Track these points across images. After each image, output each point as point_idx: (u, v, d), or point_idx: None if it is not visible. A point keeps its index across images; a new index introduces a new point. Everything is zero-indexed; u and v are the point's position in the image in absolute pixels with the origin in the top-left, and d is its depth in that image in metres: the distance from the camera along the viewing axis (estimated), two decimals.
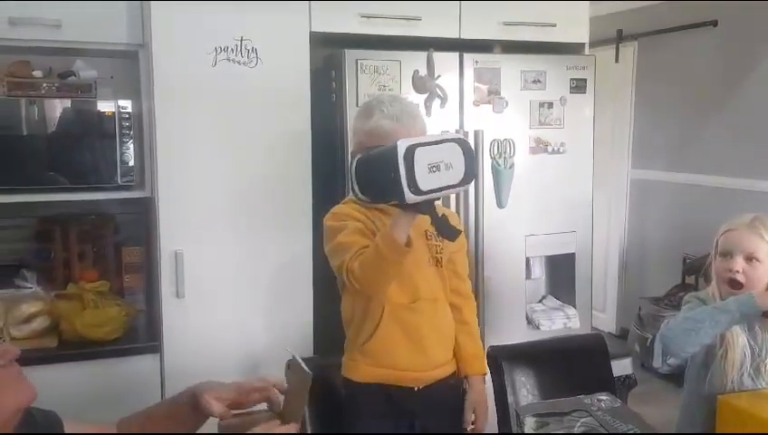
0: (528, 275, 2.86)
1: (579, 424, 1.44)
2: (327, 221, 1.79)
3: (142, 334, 2.44)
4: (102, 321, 2.26)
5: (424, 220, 1.70)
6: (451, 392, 1.89)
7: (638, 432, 1.40)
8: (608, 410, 1.49)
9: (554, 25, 2.76)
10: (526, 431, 1.42)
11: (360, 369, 1.81)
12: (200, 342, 2.36)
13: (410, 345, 1.78)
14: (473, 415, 1.89)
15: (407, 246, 1.57)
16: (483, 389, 1.92)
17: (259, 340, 2.43)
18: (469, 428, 1.88)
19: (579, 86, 2.76)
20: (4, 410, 1.06)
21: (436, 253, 1.80)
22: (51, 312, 2.25)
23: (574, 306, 2.89)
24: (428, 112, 2.54)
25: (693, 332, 1.73)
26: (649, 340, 4.22)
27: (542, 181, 2.74)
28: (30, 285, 2.28)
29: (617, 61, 4.69)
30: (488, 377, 2.56)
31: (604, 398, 1.56)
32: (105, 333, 2.27)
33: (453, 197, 2.61)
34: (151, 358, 2.34)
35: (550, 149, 2.74)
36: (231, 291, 2.41)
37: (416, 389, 1.80)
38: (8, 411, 1.07)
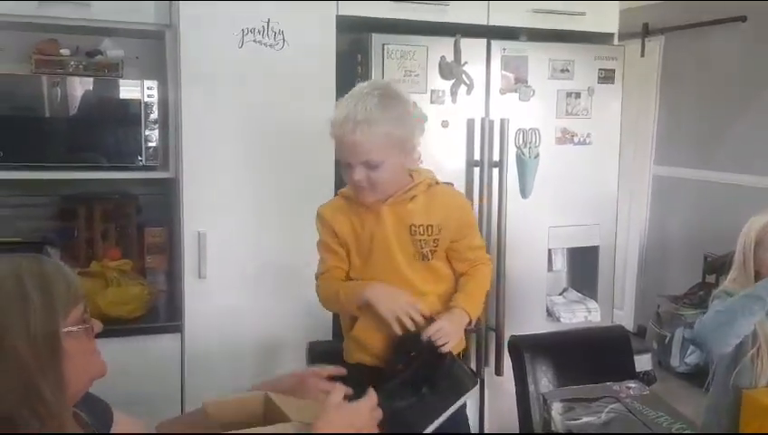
0: (549, 267, 2.84)
1: (607, 410, 1.43)
2: (317, 216, 1.79)
3: (163, 314, 2.46)
4: (125, 299, 2.27)
5: (409, 214, 1.69)
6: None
7: (668, 419, 1.39)
8: (636, 397, 1.48)
9: (584, 14, 2.72)
10: (553, 416, 1.40)
11: (350, 353, 1.82)
12: (220, 322, 2.37)
13: (385, 339, 1.74)
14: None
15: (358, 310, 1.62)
16: (456, 320, 1.69)
17: (278, 322, 2.43)
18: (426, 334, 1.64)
19: (607, 76, 2.73)
20: (81, 378, 1.10)
21: (422, 247, 1.72)
22: None
23: (595, 300, 2.87)
24: (454, 99, 2.53)
25: (727, 325, 1.70)
26: (668, 338, 4.19)
27: (566, 172, 2.72)
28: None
29: (642, 55, 4.64)
30: (509, 365, 2.57)
31: (633, 385, 1.54)
32: (127, 311, 2.28)
33: (476, 186, 2.60)
34: (172, 337, 2.35)
35: (576, 139, 2.71)
36: (252, 272, 2.41)
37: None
38: (84, 381, 1.12)
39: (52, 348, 1.01)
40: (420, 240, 1.70)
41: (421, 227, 1.70)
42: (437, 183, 1.77)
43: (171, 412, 2.34)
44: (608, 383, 1.56)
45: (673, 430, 1.35)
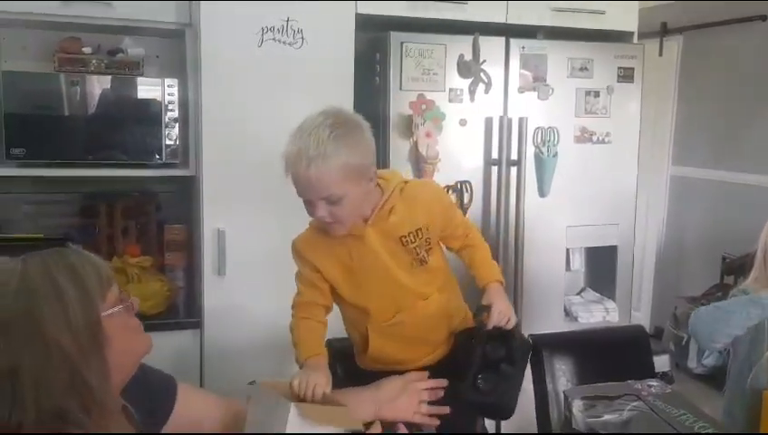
0: (567, 267, 2.83)
1: (628, 408, 1.42)
2: (292, 249, 1.74)
3: (182, 310, 2.48)
4: (145, 295, 2.28)
5: (394, 227, 1.63)
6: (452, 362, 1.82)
7: (691, 418, 1.38)
8: (659, 395, 1.47)
9: (603, 13, 2.72)
10: (574, 414, 1.40)
11: (364, 362, 1.81)
12: (239, 319, 2.38)
13: (403, 348, 1.73)
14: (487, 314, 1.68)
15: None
16: (500, 295, 1.71)
17: None
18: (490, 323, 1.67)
19: (626, 75, 2.72)
20: (129, 357, 1.14)
21: (418, 253, 1.68)
22: None
23: (613, 300, 2.86)
24: (472, 98, 2.53)
25: (722, 321, 1.69)
26: (684, 339, 4.16)
27: (585, 171, 2.71)
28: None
29: (660, 54, 4.61)
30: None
31: (654, 383, 1.53)
32: (148, 307, 2.29)
33: (494, 183, 2.59)
34: (191, 333, 2.37)
35: (595, 138, 2.70)
36: (271, 270, 2.39)
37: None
38: (132, 359, 1.15)
39: (94, 336, 1.03)
40: (414, 247, 1.66)
41: (411, 235, 1.65)
42: (406, 182, 1.70)
43: None
44: (629, 381, 1.56)
45: (696, 429, 1.34)
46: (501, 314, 1.64)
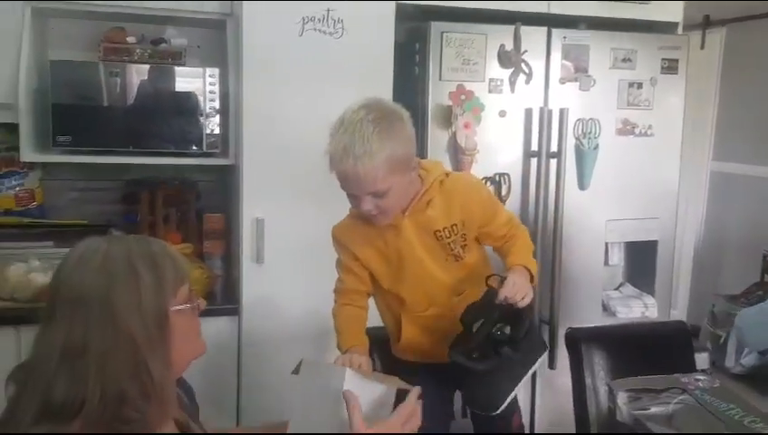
0: (606, 261, 2.80)
1: (675, 401, 1.40)
2: (332, 236, 1.77)
3: (221, 297, 2.50)
4: None
5: (430, 221, 1.63)
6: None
7: (740, 412, 1.35)
8: (706, 389, 1.44)
9: (647, 3, 2.67)
10: (619, 406, 1.38)
11: (400, 353, 1.82)
12: (277, 307, 2.40)
13: (434, 342, 1.72)
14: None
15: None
16: (522, 274, 1.62)
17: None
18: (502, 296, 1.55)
19: (670, 67, 2.67)
20: (187, 355, 1.14)
21: (453, 249, 1.67)
22: None
23: (652, 296, 2.82)
24: (513, 88, 2.51)
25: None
26: (723, 338, 4.08)
27: (626, 164, 2.67)
28: None
29: (702, 47, 4.51)
30: (561, 359, 2.55)
31: (702, 377, 1.51)
32: None
33: (533, 176, 2.57)
34: (230, 320, 2.39)
35: (637, 131, 2.66)
36: (309, 258, 2.42)
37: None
38: (186, 359, 1.15)
39: (161, 326, 1.04)
40: (449, 243, 1.66)
41: (446, 230, 1.65)
42: (447, 175, 1.70)
43: (227, 393, 2.42)
44: (676, 374, 1.53)
45: (746, 424, 1.32)
46: (515, 286, 1.53)
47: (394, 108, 1.60)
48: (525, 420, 2.51)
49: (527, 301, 1.53)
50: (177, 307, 1.07)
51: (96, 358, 0.99)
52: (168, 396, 1.07)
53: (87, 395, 0.98)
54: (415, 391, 1.24)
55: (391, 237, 1.66)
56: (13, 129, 2.37)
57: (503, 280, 1.54)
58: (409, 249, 1.66)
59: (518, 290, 1.52)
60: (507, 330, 1.51)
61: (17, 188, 2.58)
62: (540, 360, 1.58)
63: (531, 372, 1.51)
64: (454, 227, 1.65)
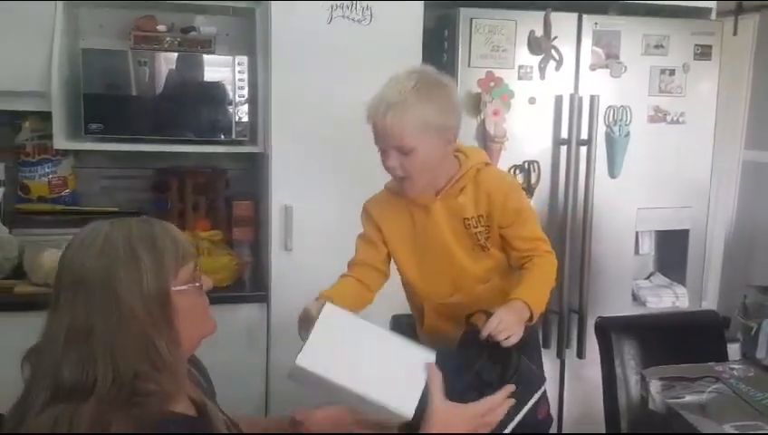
0: (636, 250, 2.77)
1: (709, 390, 1.38)
2: (363, 206, 1.77)
3: (249, 284, 2.52)
4: (215, 268, 2.33)
5: (461, 208, 1.62)
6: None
7: None
8: (741, 378, 1.42)
9: None
10: (652, 394, 1.37)
11: (424, 341, 1.76)
12: (305, 294, 2.38)
13: (459, 330, 1.64)
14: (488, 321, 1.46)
15: None
16: (514, 311, 1.50)
17: None
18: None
19: (703, 53, 2.62)
20: (194, 334, 1.14)
21: (479, 239, 1.65)
22: None
23: (683, 285, 2.78)
24: (542, 75, 2.48)
25: None
26: (754, 329, 4.02)
27: (657, 152, 2.64)
28: None
29: (735, 33, 4.42)
30: (590, 349, 2.53)
31: (737, 366, 1.49)
32: (217, 280, 2.33)
33: (563, 164, 2.55)
34: (258, 307, 2.41)
35: (669, 118, 2.62)
36: (337, 246, 2.40)
37: None
38: (197, 336, 1.16)
39: (164, 306, 1.05)
40: (476, 232, 1.65)
41: (473, 220, 1.64)
42: (487, 164, 1.68)
43: (255, 379, 2.44)
44: (710, 363, 1.51)
45: None
46: (501, 323, 1.40)
47: (444, 78, 1.61)
48: (554, 410, 2.50)
49: (512, 341, 1.42)
50: (180, 287, 1.08)
51: (102, 340, 1.01)
52: (179, 371, 1.08)
53: (98, 376, 1.00)
54: (507, 388, 1.25)
55: (421, 218, 1.65)
56: (46, 117, 2.41)
57: (489, 316, 1.44)
58: (437, 232, 1.65)
59: (503, 328, 1.41)
60: (491, 372, 1.38)
61: (50, 176, 2.61)
62: (535, 398, 1.41)
63: (523, 413, 1.37)
64: (480, 218, 1.64)
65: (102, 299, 1.02)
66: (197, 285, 1.12)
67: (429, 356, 1.31)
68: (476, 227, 1.64)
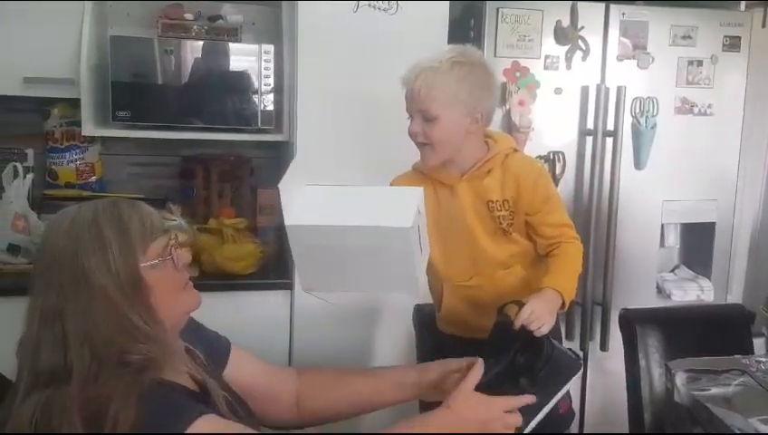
0: (662, 243, 2.74)
1: (736, 383, 1.37)
2: (389, 184, 1.76)
3: (273, 272, 2.53)
4: (240, 255, 2.36)
5: (486, 190, 1.62)
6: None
7: None
8: None
9: None
10: (677, 386, 1.36)
11: (443, 325, 1.81)
12: None
13: (474, 315, 1.70)
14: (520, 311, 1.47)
15: None
16: (547, 300, 1.52)
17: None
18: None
19: (732, 44, 2.59)
20: (175, 309, 1.15)
21: (501, 223, 1.65)
22: (193, 244, 2.36)
23: (708, 279, 2.76)
24: (569, 65, 2.47)
25: None
26: None
27: (684, 144, 2.62)
28: (175, 218, 2.40)
29: (764, 25, 4.35)
30: (614, 342, 2.52)
31: (764, 359, 1.47)
32: (242, 267, 2.37)
33: (589, 155, 2.53)
34: (282, 294, 2.42)
35: (696, 110, 2.60)
36: None
37: None
38: (177, 312, 1.16)
39: (135, 283, 1.06)
40: (499, 216, 1.65)
41: (498, 203, 1.64)
42: (515, 150, 1.68)
43: (279, 363, 2.44)
44: (736, 356, 1.50)
45: None
46: (533, 314, 1.41)
47: (483, 59, 1.64)
48: (576, 403, 2.50)
49: (545, 330, 1.43)
50: (149, 263, 1.08)
51: (74, 320, 1.02)
52: (164, 340, 1.08)
53: (73, 357, 1.01)
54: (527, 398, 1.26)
55: (446, 198, 1.66)
56: (74, 103, 2.44)
57: (521, 306, 1.45)
58: (461, 213, 1.66)
59: (535, 318, 1.42)
60: (523, 360, 1.39)
61: (78, 162, 2.65)
62: (570, 382, 1.40)
63: (557, 398, 1.37)
64: (505, 202, 1.64)
65: (72, 278, 1.03)
66: (167, 259, 1.11)
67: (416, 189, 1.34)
68: (500, 211, 1.64)
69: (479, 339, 1.66)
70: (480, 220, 1.66)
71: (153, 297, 1.08)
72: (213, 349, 1.34)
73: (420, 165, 1.68)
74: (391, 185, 1.75)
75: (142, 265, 1.07)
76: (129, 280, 1.05)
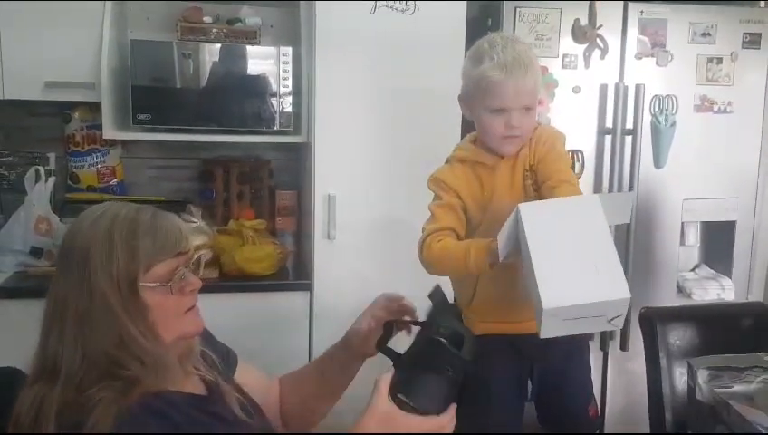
0: (682, 241, 2.72)
1: (759, 380, 1.36)
2: (429, 183, 1.73)
3: (293, 273, 2.55)
4: (259, 257, 2.37)
5: (524, 158, 1.61)
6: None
7: None
8: None
9: None
10: (699, 384, 1.35)
11: (475, 324, 1.71)
12: (348, 282, 2.43)
13: (511, 301, 1.65)
14: None
15: (491, 266, 1.50)
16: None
17: (404, 284, 2.44)
18: None
19: (752, 41, 2.57)
20: (172, 332, 1.11)
21: (535, 190, 1.64)
22: (213, 245, 2.38)
23: (729, 277, 2.74)
24: (587, 64, 2.46)
25: None
26: None
27: (704, 142, 2.60)
28: (195, 220, 2.42)
29: None
30: (634, 341, 2.51)
31: None
32: (261, 268, 2.38)
33: (608, 153, 2.52)
34: (302, 295, 2.43)
35: (716, 108, 2.58)
36: (379, 235, 2.45)
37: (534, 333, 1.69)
38: (175, 336, 1.12)
39: (134, 295, 1.05)
40: (530, 184, 1.64)
41: (527, 172, 1.64)
42: (540, 124, 1.70)
43: (298, 365, 2.46)
44: (759, 353, 1.49)
45: None
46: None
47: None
48: (597, 403, 2.49)
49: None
50: (146, 284, 1.07)
51: (73, 318, 1.03)
52: (162, 357, 1.07)
53: (66, 356, 1.02)
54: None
55: (487, 178, 1.65)
56: (95, 107, 2.47)
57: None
58: (503, 188, 1.64)
59: None
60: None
61: (99, 165, 2.68)
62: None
63: None
64: (531, 167, 1.64)
65: (77, 277, 1.04)
66: (167, 285, 1.08)
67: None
68: (529, 178, 1.64)
69: (508, 336, 1.66)
70: (520, 191, 1.65)
71: (151, 316, 1.07)
72: (220, 358, 1.33)
73: (461, 155, 1.69)
74: (436, 177, 1.71)
75: (140, 284, 1.06)
76: (129, 290, 1.05)
